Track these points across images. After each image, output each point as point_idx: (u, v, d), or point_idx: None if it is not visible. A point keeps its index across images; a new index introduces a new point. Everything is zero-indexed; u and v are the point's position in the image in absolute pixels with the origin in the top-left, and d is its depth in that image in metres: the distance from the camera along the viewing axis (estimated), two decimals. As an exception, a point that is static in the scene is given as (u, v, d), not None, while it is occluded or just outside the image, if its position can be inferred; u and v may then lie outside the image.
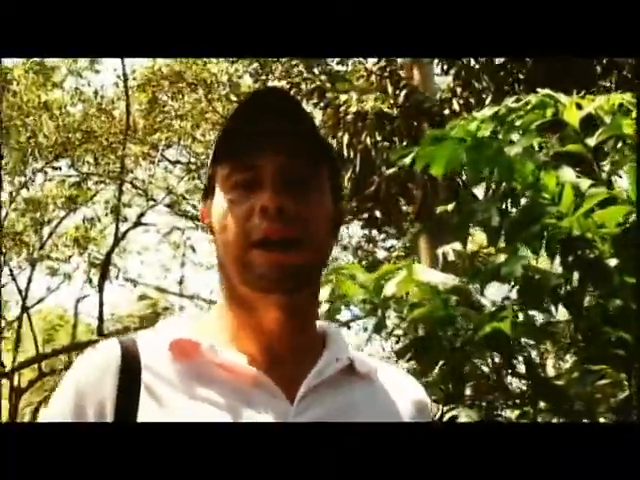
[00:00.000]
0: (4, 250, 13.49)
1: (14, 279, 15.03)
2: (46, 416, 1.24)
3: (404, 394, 1.32)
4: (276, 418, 1.16)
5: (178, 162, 15.21)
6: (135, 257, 18.11)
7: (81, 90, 14.18)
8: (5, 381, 14.17)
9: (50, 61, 13.22)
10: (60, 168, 14.21)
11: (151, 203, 15.22)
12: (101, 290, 13.57)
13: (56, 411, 1.22)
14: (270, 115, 1.19)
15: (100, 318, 13.48)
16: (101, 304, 13.48)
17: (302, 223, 1.19)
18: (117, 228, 13.85)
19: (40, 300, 17.06)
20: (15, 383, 14.86)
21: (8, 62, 12.40)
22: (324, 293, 2.71)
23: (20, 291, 15.24)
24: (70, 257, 15.02)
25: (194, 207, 14.45)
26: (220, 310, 1.29)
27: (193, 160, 14.76)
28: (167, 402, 1.18)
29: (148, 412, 1.17)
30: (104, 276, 13.68)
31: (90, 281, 14.50)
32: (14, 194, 13.98)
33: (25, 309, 15.24)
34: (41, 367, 14.79)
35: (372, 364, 1.32)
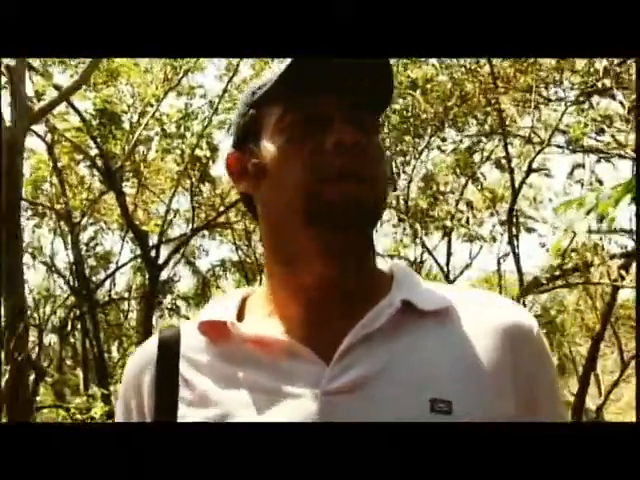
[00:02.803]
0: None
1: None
2: (115, 415, 1.26)
3: (493, 323, 1.18)
4: (311, 388, 1.11)
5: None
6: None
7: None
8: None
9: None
10: (445, 139, 13.64)
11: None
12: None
13: (116, 411, 1.25)
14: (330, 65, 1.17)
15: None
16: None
17: (373, 162, 1.17)
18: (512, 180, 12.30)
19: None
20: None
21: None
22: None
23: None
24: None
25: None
26: (266, 280, 1.25)
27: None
28: (202, 391, 1.16)
29: (185, 403, 1.17)
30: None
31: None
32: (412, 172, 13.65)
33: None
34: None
35: (445, 298, 1.21)
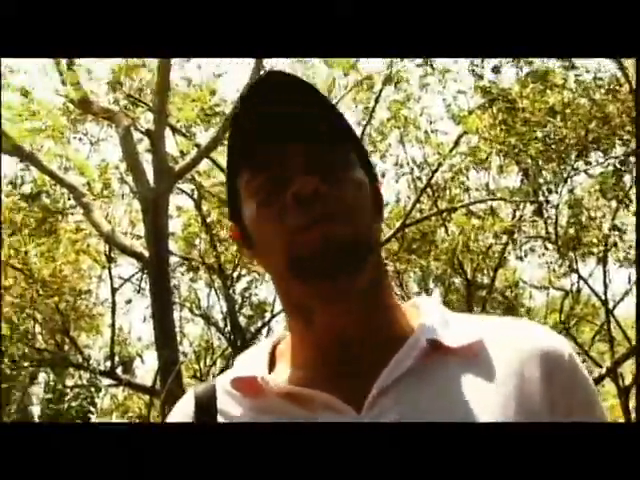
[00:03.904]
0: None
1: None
2: None
3: (524, 353, 1.14)
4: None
5: None
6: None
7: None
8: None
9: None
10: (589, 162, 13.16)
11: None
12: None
13: None
14: (276, 103, 1.14)
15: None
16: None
17: (338, 201, 1.13)
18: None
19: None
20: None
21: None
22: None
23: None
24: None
25: None
26: (289, 334, 1.25)
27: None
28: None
29: None
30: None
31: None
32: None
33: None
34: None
35: (473, 332, 1.17)
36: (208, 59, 12.91)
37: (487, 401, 1.10)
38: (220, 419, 1.19)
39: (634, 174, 12.67)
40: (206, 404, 1.22)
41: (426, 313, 1.22)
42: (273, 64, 12.44)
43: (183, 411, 1.25)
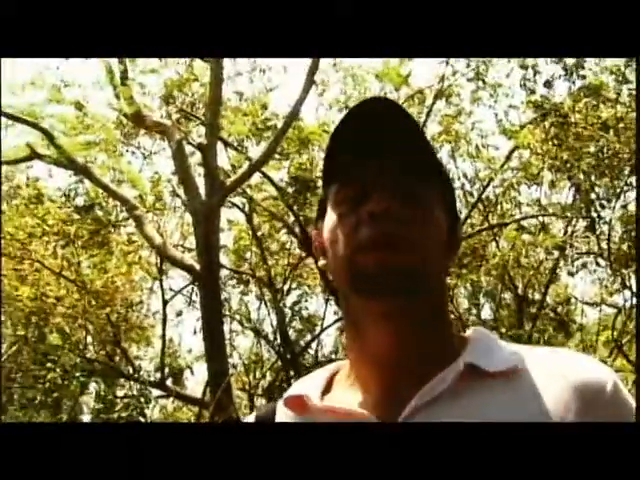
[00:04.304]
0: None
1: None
2: None
3: (563, 382, 1.14)
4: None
5: None
6: None
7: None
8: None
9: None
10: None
11: None
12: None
13: None
14: (376, 128, 1.18)
15: None
16: None
17: (409, 226, 1.17)
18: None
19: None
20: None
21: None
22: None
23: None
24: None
25: None
26: (347, 345, 1.29)
27: None
28: None
29: None
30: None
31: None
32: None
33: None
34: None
35: (514, 359, 1.19)
36: (259, 73, 12.94)
37: (522, 415, 1.11)
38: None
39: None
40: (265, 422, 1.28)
41: (474, 341, 1.25)
42: (323, 77, 12.50)
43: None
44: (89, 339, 13.92)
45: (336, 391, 1.26)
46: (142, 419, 11.35)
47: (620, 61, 11.34)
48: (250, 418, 1.32)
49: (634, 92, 12.10)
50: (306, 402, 1.22)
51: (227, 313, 14.99)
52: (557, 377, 1.15)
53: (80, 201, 12.97)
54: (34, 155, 10.57)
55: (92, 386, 14.64)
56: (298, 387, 1.28)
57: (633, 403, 1.17)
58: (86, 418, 16.04)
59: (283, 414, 1.27)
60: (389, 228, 1.15)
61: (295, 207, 12.40)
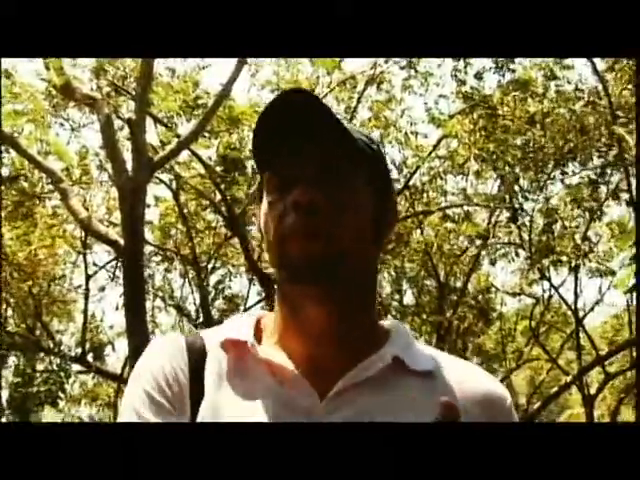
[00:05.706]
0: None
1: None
2: (126, 405, 1.28)
3: (469, 390, 1.27)
4: (305, 417, 1.21)
5: None
6: None
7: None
8: None
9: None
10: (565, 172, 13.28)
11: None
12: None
13: (134, 398, 1.27)
14: (296, 120, 1.22)
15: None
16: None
17: (333, 216, 1.22)
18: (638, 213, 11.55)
19: None
20: None
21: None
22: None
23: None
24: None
25: None
26: (275, 312, 1.33)
27: None
28: (211, 394, 1.25)
29: (202, 408, 1.24)
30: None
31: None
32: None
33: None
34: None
35: (433, 361, 1.30)
36: (193, 51, 12.72)
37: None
38: (205, 371, 1.28)
39: (610, 186, 12.76)
40: (196, 352, 1.30)
41: (395, 334, 1.33)
42: (258, 61, 12.42)
43: (176, 347, 1.32)
44: (9, 312, 13.79)
45: (265, 345, 1.30)
46: (61, 394, 11.19)
47: (550, 59, 11.52)
48: (180, 339, 1.33)
49: (561, 89, 12.31)
50: (249, 350, 1.27)
51: (150, 289, 14.88)
52: (464, 387, 1.27)
53: (5, 171, 12.68)
54: (-42, 123, 10.29)
55: (11, 360, 14.41)
56: (232, 331, 1.32)
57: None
58: (4, 393, 15.75)
59: (216, 352, 1.29)
60: (311, 218, 1.21)
61: (222, 186, 12.33)
